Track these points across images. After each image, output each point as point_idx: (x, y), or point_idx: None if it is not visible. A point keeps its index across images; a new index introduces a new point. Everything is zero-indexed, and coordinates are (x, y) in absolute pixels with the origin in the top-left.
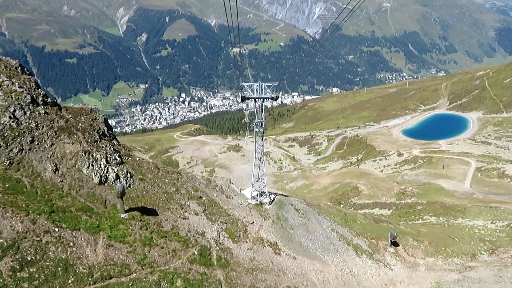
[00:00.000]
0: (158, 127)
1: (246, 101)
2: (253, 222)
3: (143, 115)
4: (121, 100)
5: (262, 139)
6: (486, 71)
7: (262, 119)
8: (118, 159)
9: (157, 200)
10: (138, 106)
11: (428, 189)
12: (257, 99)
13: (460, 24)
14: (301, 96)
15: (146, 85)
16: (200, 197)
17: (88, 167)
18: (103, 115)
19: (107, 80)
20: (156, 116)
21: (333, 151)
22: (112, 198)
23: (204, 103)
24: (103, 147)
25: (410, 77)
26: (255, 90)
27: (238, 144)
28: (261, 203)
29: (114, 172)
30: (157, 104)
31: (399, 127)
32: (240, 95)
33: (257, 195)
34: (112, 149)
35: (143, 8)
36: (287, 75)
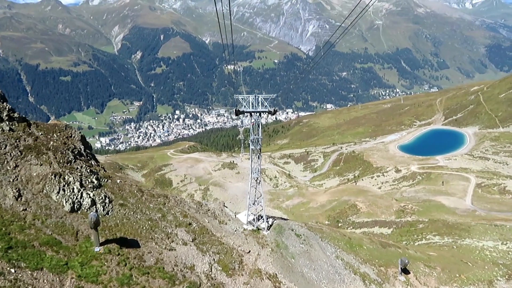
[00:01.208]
0: (152, 145)
1: (241, 116)
2: (249, 251)
3: (137, 132)
4: (115, 117)
5: (258, 157)
6: (480, 86)
7: (258, 135)
8: (95, 182)
9: (140, 228)
10: (132, 123)
11: (428, 206)
12: (252, 113)
13: (451, 41)
14: (296, 112)
15: (141, 102)
16: (190, 223)
17: (58, 192)
18: (79, 132)
19: (101, 97)
20: (151, 133)
21: (329, 168)
22: (85, 229)
23: (198, 120)
24: (78, 168)
25: (404, 93)
26: (250, 104)
27: (233, 162)
28: (258, 229)
29: (90, 197)
30: (151, 121)
31: (396, 143)
32: (234, 111)
33: (254, 219)
34: (88, 170)
35: (138, 27)
36: (281, 92)
